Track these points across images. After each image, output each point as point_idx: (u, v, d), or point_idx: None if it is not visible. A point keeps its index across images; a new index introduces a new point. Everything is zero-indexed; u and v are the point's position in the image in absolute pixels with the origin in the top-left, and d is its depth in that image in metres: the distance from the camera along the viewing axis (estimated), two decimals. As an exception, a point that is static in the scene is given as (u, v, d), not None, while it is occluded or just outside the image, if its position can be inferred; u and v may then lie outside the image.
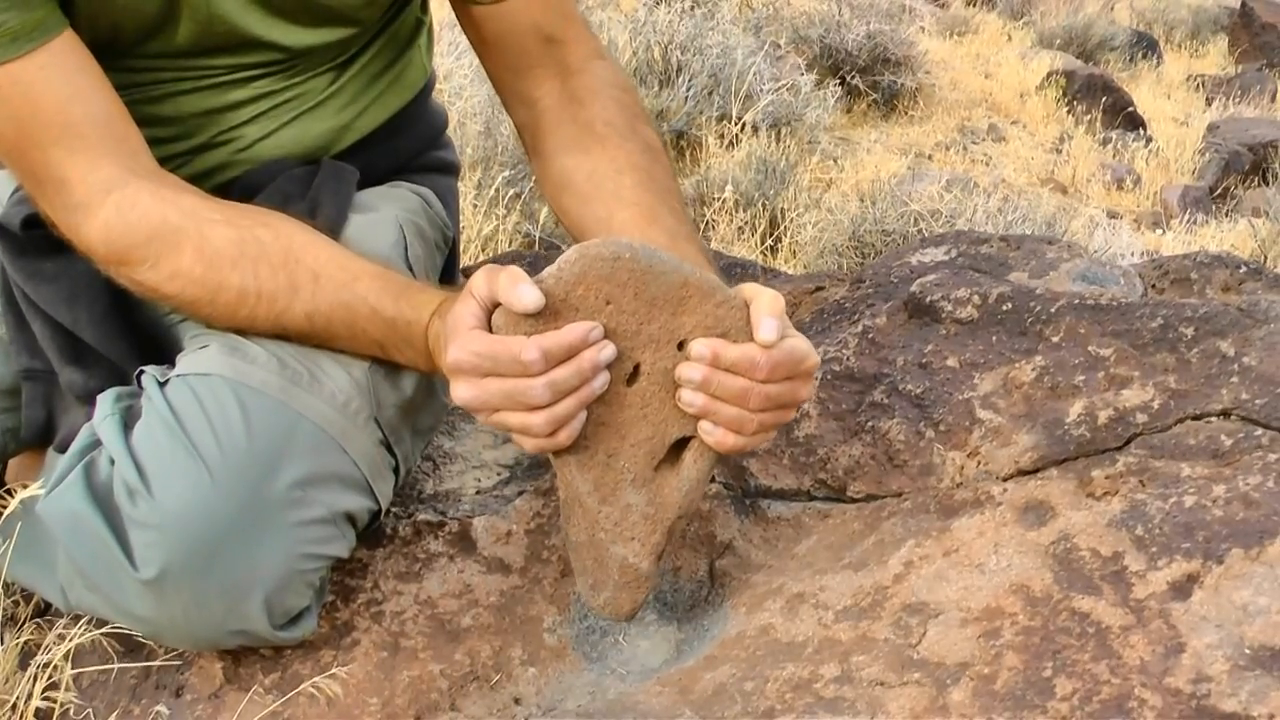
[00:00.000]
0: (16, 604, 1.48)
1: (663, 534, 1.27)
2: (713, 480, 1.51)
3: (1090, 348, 1.50)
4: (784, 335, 1.17)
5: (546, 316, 1.12)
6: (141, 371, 1.33)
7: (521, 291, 1.10)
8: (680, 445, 1.24)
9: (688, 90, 5.43)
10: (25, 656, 1.38)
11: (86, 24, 1.28)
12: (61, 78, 1.26)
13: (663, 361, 1.19)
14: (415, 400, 1.43)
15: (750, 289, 1.19)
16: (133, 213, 1.27)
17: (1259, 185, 7.77)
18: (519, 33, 1.44)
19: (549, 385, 1.11)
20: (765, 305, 1.16)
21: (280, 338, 1.32)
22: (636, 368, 1.19)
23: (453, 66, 4.54)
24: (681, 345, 1.18)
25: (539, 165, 1.48)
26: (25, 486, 1.27)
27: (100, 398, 1.33)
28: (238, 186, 1.44)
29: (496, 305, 1.14)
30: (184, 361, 1.34)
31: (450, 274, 1.69)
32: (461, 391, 1.15)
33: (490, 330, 1.14)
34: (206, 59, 1.39)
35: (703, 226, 4.45)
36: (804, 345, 1.20)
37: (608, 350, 1.15)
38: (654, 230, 1.33)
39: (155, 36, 1.35)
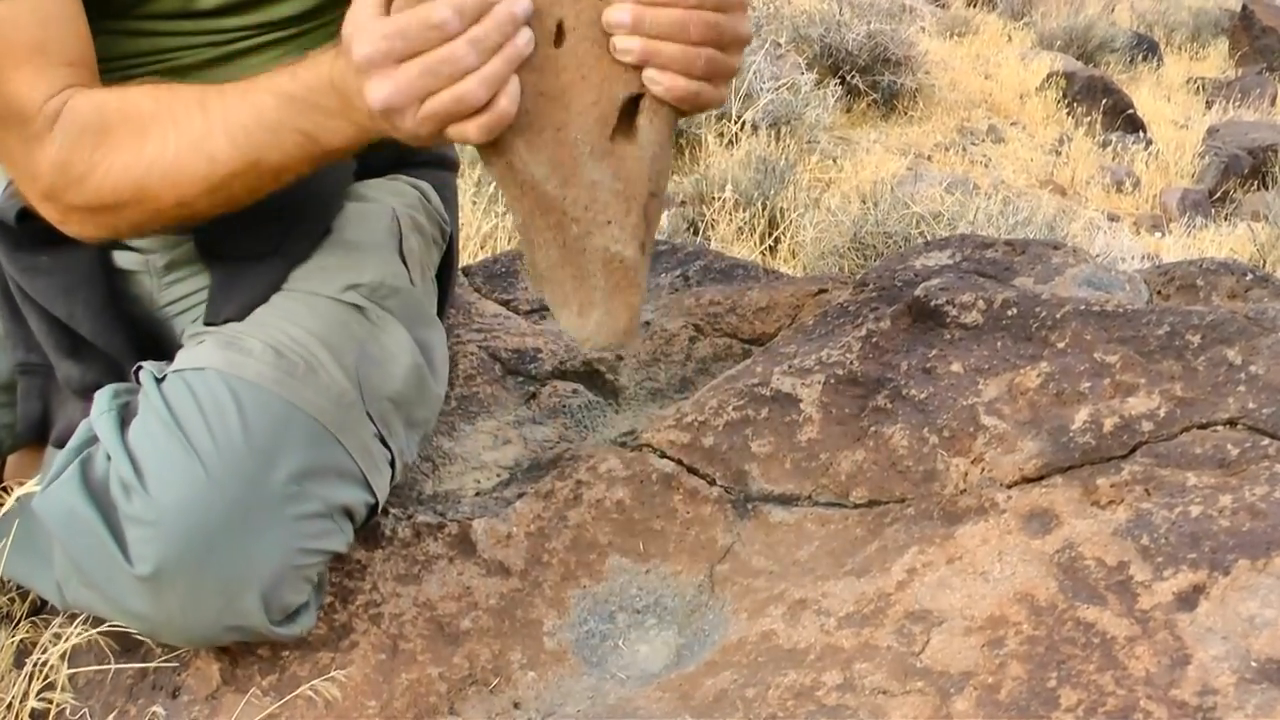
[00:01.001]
0: (12, 601, 1.48)
1: (638, 214, 1.19)
2: (713, 483, 1.52)
3: (1096, 354, 1.49)
4: None
5: None
6: (139, 367, 1.33)
7: None
8: (632, 111, 1.16)
9: (688, 88, 5.43)
10: (20, 655, 1.38)
11: None
12: (45, 18, 1.25)
13: (586, 13, 1.11)
14: (406, 392, 1.43)
15: None
16: (71, 116, 1.25)
17: (1258, 189, 7.78)
18: None
19: (471, 43, 1.04)
20: None
21: (222, 199, 1.26)
22: (560, 25, 1.11)
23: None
24: None
25: None
26: (22, 483, 1.27)
27: (97, 394, 1.32)
28: None
29: None
30: (181, 357, 1.34)
31: (447, 271, 1.68)
32: (379, 88, 1.06)
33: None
34: (216, 20, 1.38)
35: (702, 226, 4.46)
36: None
37: (523, 3, 1.07)
38: None
39: None
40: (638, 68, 1.12)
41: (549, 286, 1.22)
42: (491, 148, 1.13)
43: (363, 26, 1.06)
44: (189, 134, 1.22)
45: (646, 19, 1.09)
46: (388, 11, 1.06)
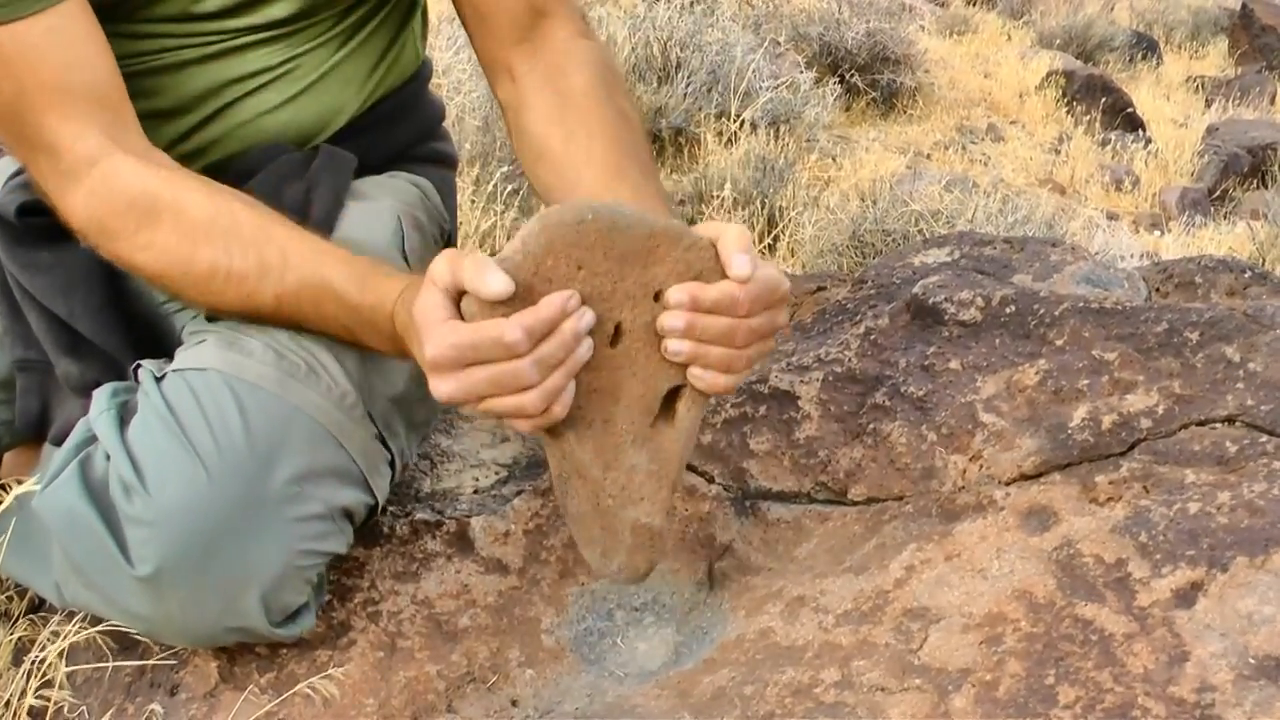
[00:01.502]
0: (10, 600, 1.48)
1: (669, 489, 1.25)
2: (711, 480, 1.51)
3: (1094, 352, 1.49)
4: (755, 267, 1.15)
5: (519, 296, 1.10)
6: (138, 366, 1.33)
7: (490, 279, 1.07)
8: (670, 396, 1.22)
9: (686, 87, 5.42)
10: (19, 653, 1.37)
11: None
12: (65, 43, 1.25)
13: (642, 316, 1.17)
14: (408, 394, 1.43)
15: (714, 227, 1.17)
16: (115, 182, 1.27)
17: (1258, 188, 7.77)
18: (510, 4, 1.44)
19: (536, 363, 1.09)
20: (734, 241, 1.14)
21: (249, 319, 1.31)
22: (618, 327, 1.17)
23: (451, 61, 4.54)
24: (658, 296, 1.16)
25: (518, 140, 1.46)
26: (20, 481, 1.27)
27: (96, 393, 1.32)
28: (234, 169, 1.43)
29: (462, 292, 1.11)
30: (181, 356, 1.34)
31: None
32: (445, 387, 1.11)
33: (461, 318, 1.11)
34: (215, 22, 1.38)
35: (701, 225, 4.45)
36: (775, 273, 1.18)
37: (588, 317, 1.12)
38: (619, 184, 1.32)
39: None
40: (684, 365, 1.18)
41: (576, 526, 1.28)
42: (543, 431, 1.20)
43: (435, 327, 1.11)
44: (238, 272, 1.27)
45: (699, 326, 1.14)
46: (456, 308, 1.11)
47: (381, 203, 1.52)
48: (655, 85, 5.42)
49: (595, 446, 1.21)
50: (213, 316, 1.36)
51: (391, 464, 1.40)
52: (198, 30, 1.38)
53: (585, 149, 1.37)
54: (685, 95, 5.40)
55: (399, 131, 1.63)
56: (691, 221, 4.48)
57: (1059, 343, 1.52)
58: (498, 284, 1.07)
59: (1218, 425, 1.39)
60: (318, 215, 1.42)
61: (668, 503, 1.26)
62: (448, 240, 1.67)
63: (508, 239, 3.59)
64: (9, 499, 1.26)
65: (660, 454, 1.23)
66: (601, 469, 1.22)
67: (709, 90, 5.51)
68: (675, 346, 1.16)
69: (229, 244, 1.26)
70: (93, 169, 1.26)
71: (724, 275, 1.14)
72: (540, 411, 1.12)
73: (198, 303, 1.33)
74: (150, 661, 1.34)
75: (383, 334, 1.24)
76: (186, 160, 1.35)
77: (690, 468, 1.53)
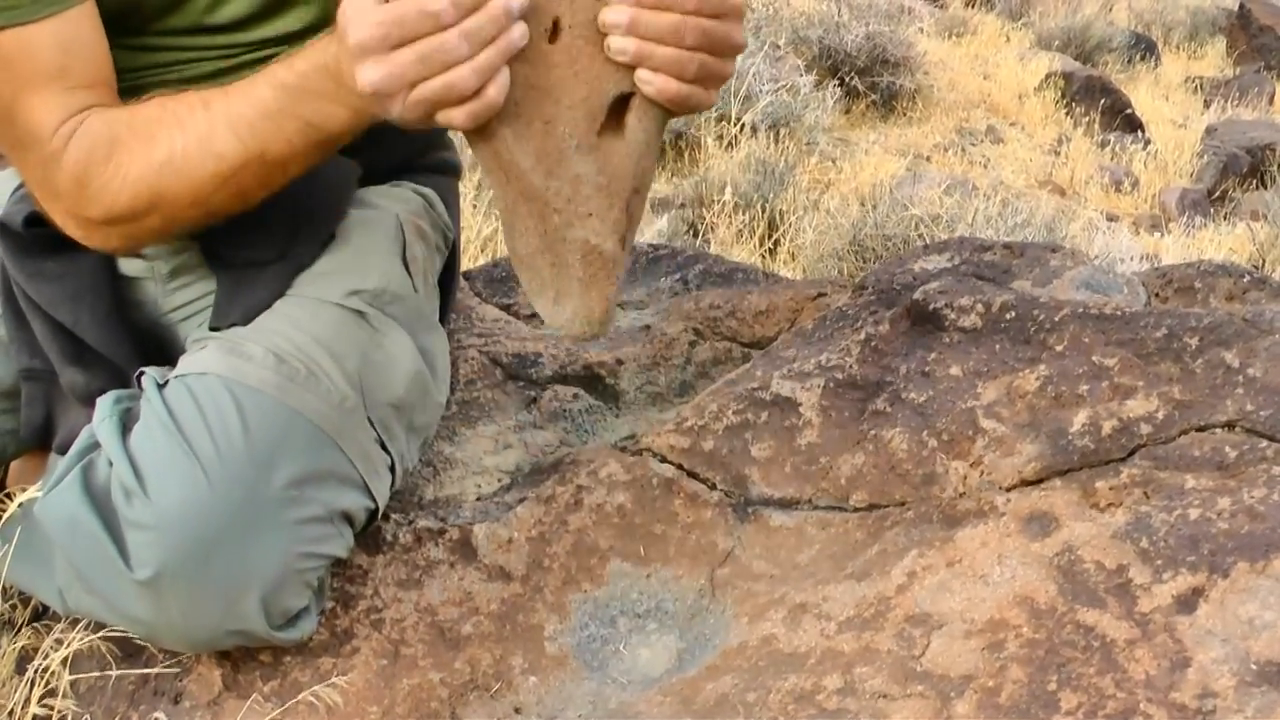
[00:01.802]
0: (14, 607, 1.48)
1: (620, 209, 1.20)
2: (713, 487, 1.52)
3: (1094, 357, 1.49)
4: None
5: None
6: (141, 373, 1.33)
7: None
8: (622, 108, 1.18)
9: (687, 90, 5.43)
10: (22, 661, 1.38)
11: None
12: (67, 46, 1.26)
13: (583, 12, 1.12)
14: (408, 397, 1.43)
15: None
16: (84, 138, 1.26)
17: (1257, 188, 7.78)
18: None
19: (465, 34, 1.04)
20: None
21: (234, 199, 1.28)
22: (556, 22, 1.13)
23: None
24: None
25: None
26: (25, 489, 1.27)
27: (100, 400, 1.33)
28: None
29: None
30: (183, 362, 1.34)
31: (450, 276, 1.69)
32: (371, 72, 1.07)
33: None
34: (228, 34, 1.38)
35: (702, 228, 4.46)
36: None
37: None
38: None
39: (175, 11, 1.35)
40: (630, 68, 1.13)
41: (527, 272, 1.23)
42: (479, 134, 1.14)
43: (359, 11, 1.07)
44: (194, 133, 1.23)
45: (642, 21, 1.10)
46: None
47: (384, 210, 1.52)
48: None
49: (536, 149, 1.16)
50: (216, 325, 1.37)
51: (392, 468, 1.41)
52: (210, 43, 1.39)
53: None
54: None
55: (404, 141, 1.62)
56: (692, 226, 4.48)
57: (1059, 348, 1.52)
58: None
59: (1217, 430, 1.39)
60: (320, 223, 1.43)
61: (621, 225, 1.21)
62: (451, 247, 1.68)
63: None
64: (13, 507, 1.27)
65: (609, 166, 1.18)
66: (544, 176, 1.17)
67: (709, 93, 5.52)
68: (619, 44, 1.11)
69: (178, 114, 1.24)
70: (70, 139, 1.26)
71: None
72: (473, 91, 1.07)
73: (189, 202, 1.28)
74: (154, 670, 1.34)
75: (329, 93, 1.17)
76: None
77: (692, 474, 1.54)
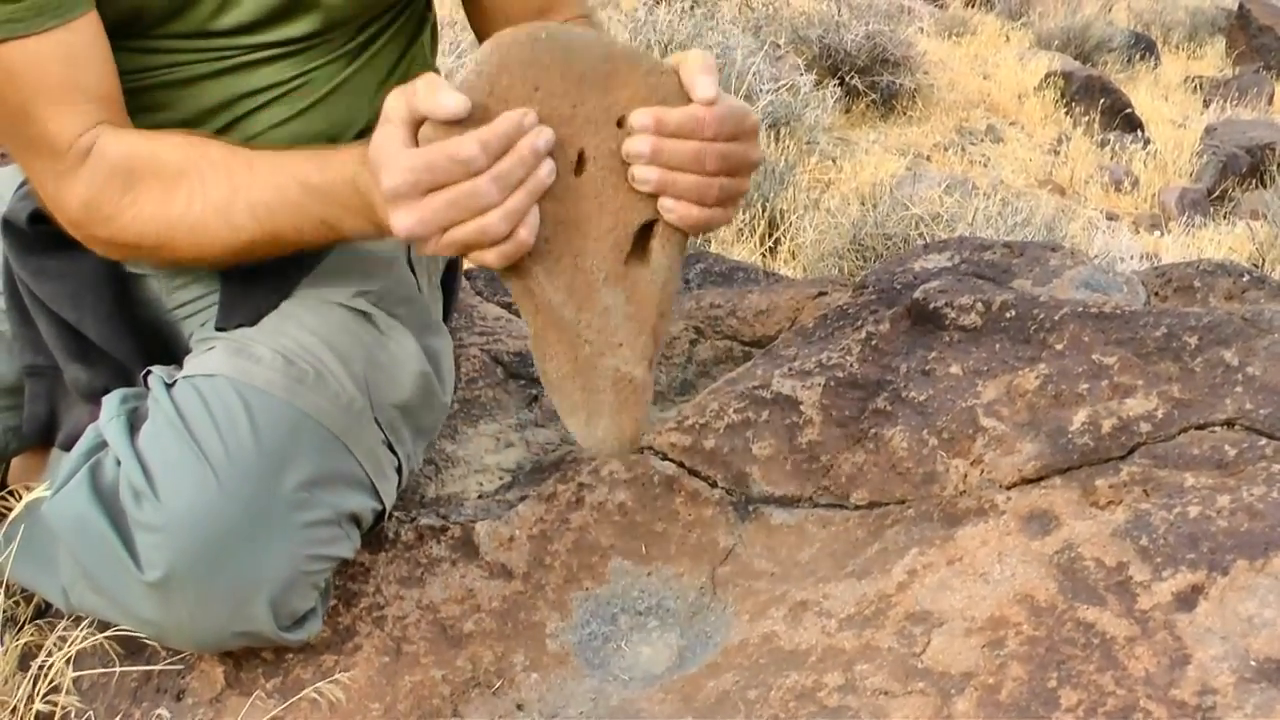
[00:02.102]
0: (16, 604, 1.48)
1: (649, 336, 1.22)
2: (714, 485, 1.52)
3: (1094, 356, 1.50)
4: (719, 91, 1.12)
5: (476, 119, 1.06)
6: (148, 372, 1.34)
7: (443, 99, 1.04)
8: (645, 235, 1.19)
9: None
10: (25, 658, 1.38)
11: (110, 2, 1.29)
12: (72, 56, 1.26)
13: (606, 143, 1.14)
14: (414, 400, 1.43)
15: (676, 56, 1.14)
16: (101, 160, 1.27)
17: (1257, 188, 7.80)
18: (518, 4, 1.46)
19: (495, 179, 1.05)
20: (697, 64, 1.12)
21: (241, 257, 1.30)
22: (581, 155, 1.14)
23: (454, 66, 4.55)
24: (621, 123, 1.13)
25: None
26: (29, 487, 1.28)
27: (106, 399, 1.33)
28: None
29: (420, 122, 1.08)
30: (190, 363, 1.35)
31: (453, 276, 1.69)
32: (404, 219, 1.07)
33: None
34: (230, 38, 1.39)
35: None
36: (742, 102, 1.16)
37: (545, 134, 1.08)
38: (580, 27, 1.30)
39: (179, 17, 1.36)
40: (653, 196, 1.14)
41: (559, 395, 1.25)
42: (510, 270, 1.16)
43: (391, 156, 1.07)
44: (214, 199, 1.25)
45: (665, 150, 1.11)
46: (414, 140, 1.07)
47: None
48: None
49: (566, 284, 1.18)
50: (222, 326, 1.37)
51: (399, 470, 1.41)
52: (212, 46, 1.39)
53: None
54: (686, 98, 5.44)
55: None
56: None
57: (1059, 347, 1.53)
58: (452, 102, 1.04)
59: (1217, 429, 1.40)
60: None
61: (649, 352, 1.23)
62: None
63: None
64: (19, 506, 1.27)
65: (637, 295, 1.20)
66: (575, 310, 1.19)
67: (710, 93, 5.54)
68: (642, 174, 1.12)
69: (202, 173, 1.26)
70: (85, 158, 1.27)
71: (689, 102, 1.11)
72: (505, 235, 1.08)
73: (192, 255, 1.31)
74: (157, 667, 1.35)
75: (354, 208, 1.19)
76: None
77: (693, 472, 1.55)
